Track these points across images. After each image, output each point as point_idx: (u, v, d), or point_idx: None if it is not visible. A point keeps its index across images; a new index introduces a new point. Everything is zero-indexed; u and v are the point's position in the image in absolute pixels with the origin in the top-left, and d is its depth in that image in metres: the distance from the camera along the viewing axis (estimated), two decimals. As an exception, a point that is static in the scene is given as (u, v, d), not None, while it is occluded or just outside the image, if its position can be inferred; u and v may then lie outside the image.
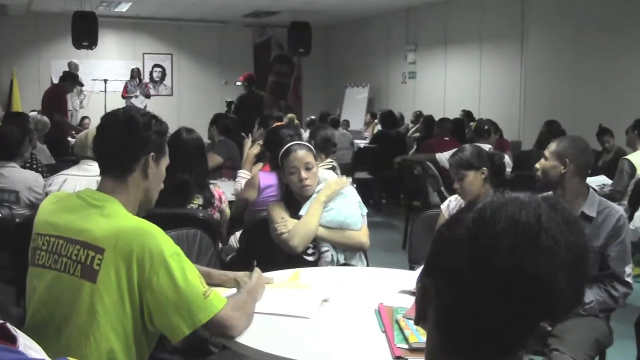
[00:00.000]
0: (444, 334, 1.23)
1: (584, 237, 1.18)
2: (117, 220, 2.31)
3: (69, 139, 10.37)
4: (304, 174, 3.67)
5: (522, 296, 1.12)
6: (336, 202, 3.70)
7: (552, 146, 3.64)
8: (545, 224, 1.14)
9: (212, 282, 2.65)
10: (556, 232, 1.14)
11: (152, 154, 2.47)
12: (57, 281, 2.30)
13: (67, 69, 13.88)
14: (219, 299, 2.32)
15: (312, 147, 3.86)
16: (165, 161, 2.57)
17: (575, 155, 3.55)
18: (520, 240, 1.12)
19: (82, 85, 13.16)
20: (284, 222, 3.64)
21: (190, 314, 2.24)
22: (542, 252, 1.12)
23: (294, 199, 3.75)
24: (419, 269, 3.46)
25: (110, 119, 2.48)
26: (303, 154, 3.70)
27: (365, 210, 3.85)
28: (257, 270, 2.85)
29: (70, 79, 11.17)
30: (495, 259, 1.12)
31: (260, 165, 5.37)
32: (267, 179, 4.52)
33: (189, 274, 2.26)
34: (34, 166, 5.73)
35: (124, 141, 2.43)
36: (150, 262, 2.21)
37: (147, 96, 14.70)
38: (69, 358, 1.62)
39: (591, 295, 3.42)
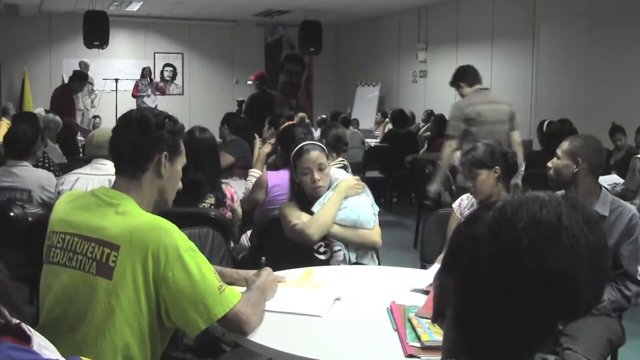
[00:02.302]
0: (462, 332, 1.23)
1: (604, 236, 1.19)
2: (132, 217, 2.32)
3: (79, 138, 10.40)
4: (317, 175, 3.67)
5: (542, 295, 1.13)
6: (349, 200, 3.71)
7: (565, 145, 3.62)
8: (566, 223, 1.14)
9: (224, 280, 2.65)
10: (577, 231, 1.14)
11: (165, 153, 2.48)
12: (72, 279, 2.31)
13: (78, 68, 13.95)
14: (233, 293, 2.33)
15: (324, 147, 3.86)
16: (181, 160, 2.59)
17: (588, 155, 3.53)
18: (541, 239, 1.13)
19: (91, 83, 13.19)
20: (297, 215, 3.65)
21: (207, 309, 2.25)
22: (562, 251, 1.12)
23: (305, 197, 3.75)
24: (431, 268, 3.48)
25: (124, 120, 2.50)
26: (316, 155, 3.70)
27: (377, 209, 3.85)
28: (266, 268, 2.86)
29: (79, 79, 11.20)
30: (516, 258, 1.13)
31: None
32: (275, 177, 4.52)
33: (204, 268, 2.28)
34: (46, 165, 5.76)
35: (137, 141, 2.44)
36: (165, 258, 2.22)
37: (162, 93, 14.68)
38: (82, 357, 1.63)
39: (604, 294, 3.40)
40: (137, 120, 2.46)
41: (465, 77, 6.44)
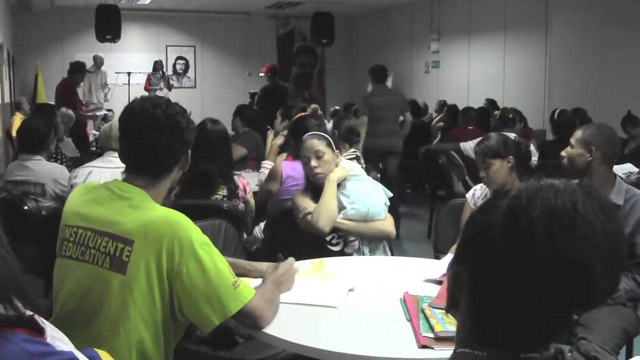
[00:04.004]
0: (477, 322, 1.23)
1: (620, 224, 1.18)
2: (146, 211, 2.31)
3: (93, 132, 10.44)
4: (314, 162, 3.69)
5: (558, 283, 1.12)
6: (358, 193, 3.69)
7: (578, 134, 3.60)
8: (582, 211, 1.13)
9: (237, 272, 2.65)
10: (592, 219, 1.13)
11: (189, 152, 2.48)
12: (85, 273, 2.31)
13: (92, 62, 13.98)
14: (248, 289, 2.33)
15: (327, 136, 3.85)
16: None
17: (601, 143, 3.51)
18: (557, 227, 1.12)
19: (88, 72, 13.26)
20: (309, 205, 3.65)
21: (221, 304, 2.25)
22: (578, 239, 1.11)
23: (318, 188, 3.74)
24: (445, 258, 3.47)
25: (152, 122, 2.38)
26: (313, 143, 3.73)
27: (389, 194, 3.84)
28: (289, 260, 2.85)
29: (78, 70, 11.24)
30: (531, 246, 1.12)
31: (284, 155, 5.37)
32: (289, 168, 4.52)
33: (219, 263, 2.27)
34: (59, 159, 5.77)
35: (169, 146, 2.41)
36: (180, 253, 2.22)
37: (169, 88, 14.75)
38: (96, 349, 1.63)
39: (620, 283, 3.38)
40: (170, 127, 2.39)
41: (372, 76, 9.32)
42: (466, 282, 1.23)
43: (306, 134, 3.86)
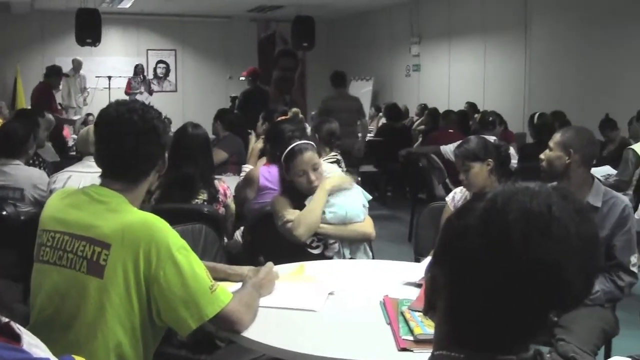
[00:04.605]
0: (454, 324, 1.23)
1: (595, 226, 1.19)
2: (124, 215, 2.31)
3: (73, 136, 10.37)
4: (312, 175, 3.64)
5: (533, 285, 1.13)
6: (336, 197, 3.68)
7: (557, 137, 3.62)
8: (557, 213, 1.14)
9: (217, 276, 2.65)
10: (567, 221, 1.14)
11: (166, 155, 2.48)
12: (63, 277, 2.30)
13: (71, 66, 13.90)
14: (225, 293, 2.32)
15: (314, 145, 3.80)
16: None
17: (580, 146, 3.53)
18: (532, 229, 1.13)
19: (66, 75, 13.20)
20: (288, 212, 3.63)
21: (198, 308, 2.24)
22: (553, 241, 1.12)
23: (296, 192, 3.72)
24: (425, 261, 3.47)
25: (129, 127, 2.37)
26: (310, 156, 3.65)
27: (369, 197, 3.83)
28: (269, 264, 2.85)
29: (55, 74, 11.19)
30: (506, 249, 1.13)
31: (264, 159, 5.37)
32: (266, 173, 4.50)
33: (196, 267, 2.27)
34: (36, 164, 5.73)
35: (146, 151, 2.40)
36: (157, 256, 2.21)
37: (150, 93, 14.72)
38: (74, 356, 1.63)
39: (597, 285, 3.41)
40: (146, 131, 2.38)
41: (332, 81, 10.09)
42: (443, 284, 1.24)
43: (297, 144, 3.70)
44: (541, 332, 1.20)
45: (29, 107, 10.83)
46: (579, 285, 1.15)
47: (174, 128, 7.59)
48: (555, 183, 3.22)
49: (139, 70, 15.05)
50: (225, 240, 4.49)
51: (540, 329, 1.19)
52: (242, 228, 4.77)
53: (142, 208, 2.42)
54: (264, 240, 3.92)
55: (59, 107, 12.22)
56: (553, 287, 1.13)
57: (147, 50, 17.37)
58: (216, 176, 4.60)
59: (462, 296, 1.21)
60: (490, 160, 3.91)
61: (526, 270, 1.12)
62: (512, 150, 6.26)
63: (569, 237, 1.13)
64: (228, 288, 2.42)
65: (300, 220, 3.56)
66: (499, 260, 1.14)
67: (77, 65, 14.18)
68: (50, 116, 8.61)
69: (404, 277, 3.01)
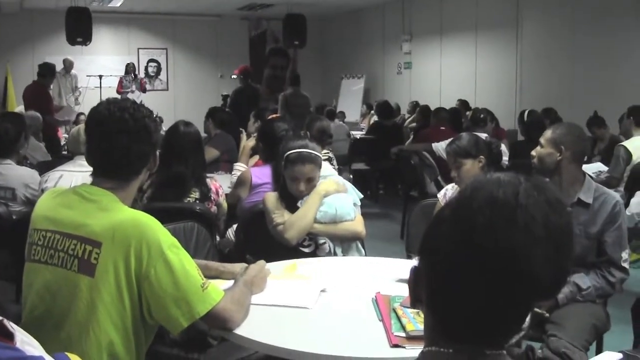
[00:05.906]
0: (436, 316, 1.24)
1: (567, 217, 1.19)
2: (114, 213, 2.30)
3: (65, 135, 10.33)
4: (302, 186, 3.64)
5: (500, 273, 1.14)
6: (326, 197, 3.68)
7: (548, 133, 3.63)
8: (523, 201, 1.15)
9: (209, 274, 2.65)
10: (534, 210, 1.15)
11: (157, 153, 2.48)
12: (54, 276, 2.29)
13: (62, 65, 13.85)
14: (216, 291, 2.32)
15: (319, 155, 3.76)
16: None
17: (571, 142, 3.54)
18: (496, 217, 1.14)
19: (58, 73, 13.13)
20: (279, 213, 3.63)
21: (189, 306, 2.24)
22: (517, 229, 1.13)
23: (289, 192, 3.72)
24: (416, 258, 3.48)
25: (120, 126, 2.36)
26: (309, 170, 3.64)
27: (360, 195, 3.83)
28: (260, 262, 2.85)
29: (49, 73, 11.06)
30: (473, 236, 1.14)
31: (256, 158, 5.37)
32: (261, 176, 4.49)
33: (187, 265, 2.27)
34: (26, 164, 5.71)
35: (137, 149, 2.40)
36: (148, 255, 2.21)
37: (143, 91, 14.70)
38: (67, 353, 1.62)
39: (588, 281, 3.43)
40: (138, 130, 2.38)
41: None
42: (423, 275, 1.25)
43: (302, 151, 3.66)
44: (520, 324, 1.21)
45: (21, 107, 10.76)
46: (547, 278, 1.16)
47: (165, 127, 7.60)
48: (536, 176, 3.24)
49: (130, 69, 15.03)
50: (218, 238, 4.49)
51: (520, 320, 1.20)
52: (234, 226, 4.77)
53: (134, 206, 2.42)
54: (257, 238, 3.91)
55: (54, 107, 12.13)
56: (519, 276, 1.14)
57: (138, 49, 17.35)
58: (208, 174, 4.60)
59: (438, 287, 1.22)
60: (481, 157, 3.92)
61: (492, 258, 1.14)
62: (503, 147, 6.29)
63: (535, 225, 1.14)
64: (220, 286, 2.42)
65: (293, 224, 3.56)
66: (465, 249, 1.15)
67: (68, 65, 14.14)
68: (36, 114, 8.53)
69: (396, 274, 3.01)
